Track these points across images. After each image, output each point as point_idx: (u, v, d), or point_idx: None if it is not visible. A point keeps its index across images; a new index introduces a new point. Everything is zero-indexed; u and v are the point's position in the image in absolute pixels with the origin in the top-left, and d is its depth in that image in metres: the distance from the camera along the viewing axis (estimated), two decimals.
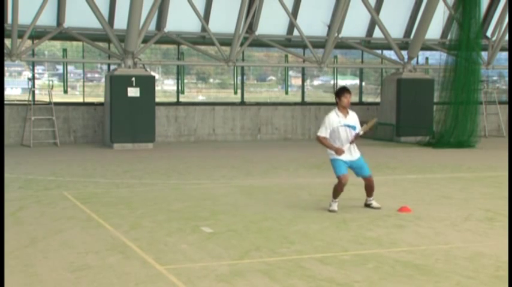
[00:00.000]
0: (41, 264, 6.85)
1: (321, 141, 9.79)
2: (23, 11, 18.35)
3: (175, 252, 7.35)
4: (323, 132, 9.74)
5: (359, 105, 24.64)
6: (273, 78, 25.55)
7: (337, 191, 9.85)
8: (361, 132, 9.80)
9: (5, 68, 20.53)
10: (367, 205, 10.11)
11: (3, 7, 18.73)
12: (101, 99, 20.95)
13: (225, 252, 7.35)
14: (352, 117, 9.83)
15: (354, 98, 24.96)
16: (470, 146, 20.27)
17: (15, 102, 21.19)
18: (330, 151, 9.78)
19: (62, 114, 20.96)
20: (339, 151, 9.66)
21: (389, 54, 23.99)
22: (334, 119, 9.72)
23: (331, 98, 24.72)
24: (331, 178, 13.53)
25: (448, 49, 21.66)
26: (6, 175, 12.64)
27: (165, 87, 23.85)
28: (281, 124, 23.50)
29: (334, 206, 9.87)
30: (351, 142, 9.75)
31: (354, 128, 9.76)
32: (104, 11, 20.47)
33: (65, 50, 21.49)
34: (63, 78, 21.71)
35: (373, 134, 9.89)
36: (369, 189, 10.01)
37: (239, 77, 23.41)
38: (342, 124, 9.68)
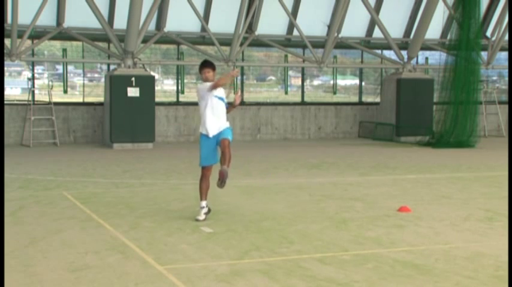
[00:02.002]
0: (41, 264, 6.85)
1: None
2: (22, 11, 18.35)
3: (175, 252, 7.36)
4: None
5: (359, 106, 24.71)
6: (273, 78, 25.55)
7: (201, 187, 9.03)
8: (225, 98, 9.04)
9: (5, 68, 20.52)
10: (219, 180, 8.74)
11: (3, 7, 18.72)
12: (101, 99, 20.94)
13: (225, 252, 7.35)
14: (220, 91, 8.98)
15: (354, 98, 25.09)
16: (470, 146, 20.27)
17: (15, 102, 21.18)
18: (202, 126, 8.98)
19: (62, 114, 20.94)
20: (227, 78, 8.98)
21: (389, 54, 23.98)
22: (201, 87, 9.01)
23: (330, 97, 25.00)
24: (330, 178, 13.60)
25: (448, 49, 21.64)
26: (6, 175, 12.65)
27: (165, 87, 23.85)
28: (281, 124, 23.50)
29: (201, 214, 8.95)
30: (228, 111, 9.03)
31: (222, 99, 9.00)
32: (104, 11, 20.46)
33: (64, 50, 21.49)
34: (63, 78, 21.71)
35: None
36: (223, 155, 8.84)
37: (239, 77, 23.39)
38: (214, 95, 8.89)
